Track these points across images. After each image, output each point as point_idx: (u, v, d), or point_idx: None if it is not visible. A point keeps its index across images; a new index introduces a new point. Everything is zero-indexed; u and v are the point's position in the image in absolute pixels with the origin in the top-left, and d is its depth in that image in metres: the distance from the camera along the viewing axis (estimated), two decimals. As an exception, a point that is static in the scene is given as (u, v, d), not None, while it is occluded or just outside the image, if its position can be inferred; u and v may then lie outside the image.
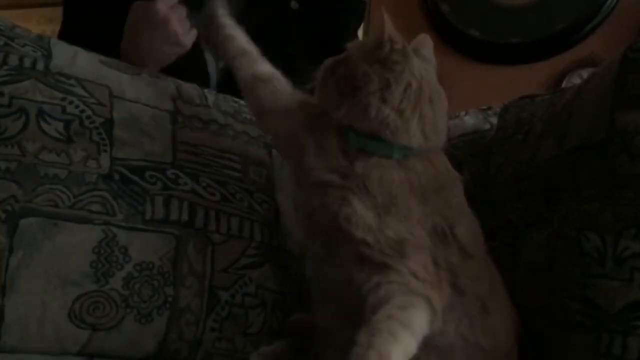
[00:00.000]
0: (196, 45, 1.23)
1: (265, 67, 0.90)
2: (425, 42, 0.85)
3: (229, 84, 1.03)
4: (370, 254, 0.68)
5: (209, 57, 1.37)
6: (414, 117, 0.75)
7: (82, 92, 0.92)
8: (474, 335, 0.70)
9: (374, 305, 0.63)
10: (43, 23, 3.08)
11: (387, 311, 0.62)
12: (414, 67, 0.76)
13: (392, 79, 0.74)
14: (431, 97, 0.77)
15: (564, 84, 2.20)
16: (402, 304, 0.63)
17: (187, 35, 1.18)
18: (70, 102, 0.90)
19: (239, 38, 0.93)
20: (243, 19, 1.00)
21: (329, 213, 0.72)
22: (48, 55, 0.91)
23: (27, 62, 0.88)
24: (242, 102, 1.19)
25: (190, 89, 1.09)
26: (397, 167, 0.75)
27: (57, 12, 1.55)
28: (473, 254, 0.76)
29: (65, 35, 1.35)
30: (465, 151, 1.26)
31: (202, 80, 1.27)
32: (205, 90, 1.13)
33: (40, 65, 0.89)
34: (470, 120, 1.33)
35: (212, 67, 1.38)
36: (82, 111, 0.90)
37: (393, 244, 0.68)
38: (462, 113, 1.36)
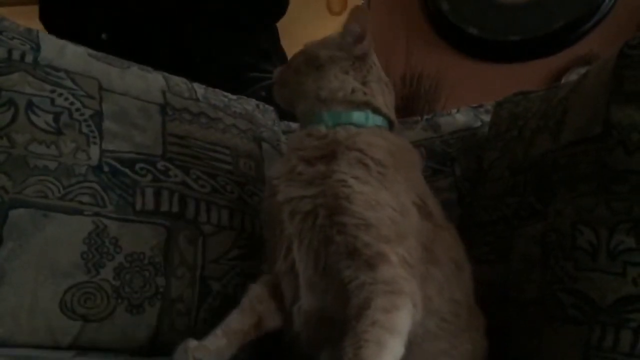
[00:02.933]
0: None
1: None
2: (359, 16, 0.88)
3: None
4: (368, 241, 0.67)
5: None
6: (379, 90, 0.86)
7: (71, 85, 0.92)
8: (451, 292, 0.75)
9: (358, 307, 0.63)
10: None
11: (371, 317, 0.61)
12: (373, 53, 0.88)
13: (358, 60, 0.85)
14: (385, 81, 0.88)
15: (562, 81, 2.21)
16: (386, 306, 0.62)
17: None
18: (60, 95, 0.90)
19: None
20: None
21: (328, 201, 0.71)
22: (37, 48, 0.91)
23: (15, 55, 0.88)
24: (231, 96, 1.20)
25: (180, 82, 1.10)
26: (375, 134, 0.80)
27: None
28: (443, 225, 0.80)
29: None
30: (457, 147, 1.28)
31: None
32: (195, 84, 1.13)
33: (29, 58, 0.89)
34: (461, 117, 1.34)
35: None
36: (72, 103, 0.90)
37: (389, 223, 0.69)
38: (454, 110, 1.37)
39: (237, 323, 0.75)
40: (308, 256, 0.72)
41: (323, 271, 0.71)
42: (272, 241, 0.79)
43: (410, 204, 0.74)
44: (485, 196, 1.12)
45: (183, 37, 1.42)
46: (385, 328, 0.61)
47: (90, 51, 1.00)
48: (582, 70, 0.96)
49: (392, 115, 0.88)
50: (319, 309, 0.72)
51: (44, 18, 1.51)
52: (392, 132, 0.87)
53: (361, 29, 0.85)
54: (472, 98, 1.55)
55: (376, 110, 0.84)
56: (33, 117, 0.86)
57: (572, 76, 2.21)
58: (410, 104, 2.37)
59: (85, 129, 0.91)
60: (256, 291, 0.78)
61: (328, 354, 0.72)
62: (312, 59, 0.86)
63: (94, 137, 0.91)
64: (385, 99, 0.87)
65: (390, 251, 0.67)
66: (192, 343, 0.72)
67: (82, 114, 0.91)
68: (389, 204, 0.70)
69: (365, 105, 0.84)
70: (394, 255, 0.67)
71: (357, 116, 0.82)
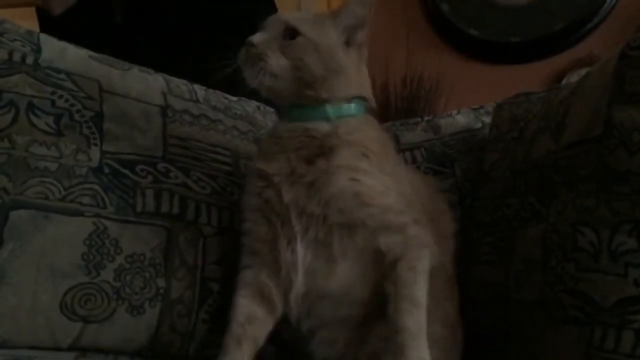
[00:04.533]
0: None
1: None
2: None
3: None
4: (391, 219, 0.78)
5: None
6: (367, 75, 0.88)
7: (72, 86, 0.92)
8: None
9: (395, 258, 0.77)
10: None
11: (408, 263, 0.76)
12: None
13: (358, 47, 0.85)
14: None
15: (562, 83, 2.21)
16: (417, 255, 0.77)
17: None
18: (60, 96, 0.90)
19: None
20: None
21: (345, 200, 0.76)
22: (37, 50, 0.91)
23: (16, 57, 0.88)
24: (232, 98, 1.20)
25: (180, 84, 1.10)
26: (368, 125, 0.84)
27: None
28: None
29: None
30: (458, 149, 1.28)
31: None
32: (195, 86, 1.13)
33: (29, 60, 0.89)
34: (462, 118, 1.34)
35: None
36: (72, 105, 0.90)
37: (400, 199, 0.80)
38: (454, 112, 1.37)
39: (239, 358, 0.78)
40: (308, 246, 0.78)
41: (325, 257, 0.78)
42: (263, 235, 0.81)
43: (403, 179, 0.85)
44: (486, 197, 1.12)
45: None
46: (419, 271, 0.76)
47: (91, 53, 1.00)
48: (583, 72, 0.96)
49: (372, 98, 0.90)
50: (315, 291, 0.79)
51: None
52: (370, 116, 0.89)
53: (368, 13, 0.83)
54: (472, 99, 1.55)
55: (365, 99, 0.87)
56: (34, 119, 0.86)
57: (573, 78, 2.21)
58: (411, 105, 2.38)
59: (85, 131, 0.91)
60: (244, 309, 0.81)
61: (320, 336, 0.82)
62: (313, 48, 0.80)
63: (95, 139, 0.91)
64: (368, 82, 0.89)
65: (408, 218, 0.79)
66: None
67: (82, 116, 0.91)
68: (393, 186, 0.80)
69: (359, 96, 0.85)
70: (411, 220, 0.79)
71: (354, 108, 0.84)
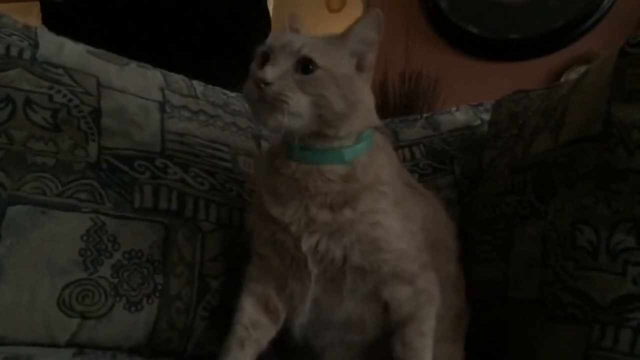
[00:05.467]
0: None
1: None
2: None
3: None
4: (405, 267, 0.77)
5: None
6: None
7: (70, 82, 0.91)
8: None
9: (404, 318, 0.77)
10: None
11: (419, 328, 0.77)
12: None
13: (369, 72, 0.79)
14: None
15: (561, 80, 2.22)
16: (426, 315, 0.77)
17: None
18: (58, 91, 0.89)
19: None
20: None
21: (363, 247, 0.74)
22: (35, 45, 0.91)
23: (13, 51, 0.88)
24: (231, 94, 1.20)
25: (179, 79, 1.09)
26: (379, 153, 0.80)
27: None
28: (422, 192, 0.93)
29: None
30: (456, 146, 1.28)
31: None
32: (194, 81, 1.13)
33: (27, 54, 0.89)
34: (461, 115, 1.34)
35: None
36: (70, 100, 0.90)
37: (413, 242, 0.78)
38: (453, 109, 1.37)
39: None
40: (318, 281, 0.77)
41: (333, 293, 0.77)
42: (273, 263, 0.79)
43: (411, 201, 0.82)
44: (484, 195, 1.12)
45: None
46: (424, 334, 0.77)
47: (89, 48, 0.99)
48: (582, 69, 0.95)
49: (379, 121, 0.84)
50: (321, 320, 0.80)
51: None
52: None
53: (378, 38, 0.76)
54: (471, 96, 1.55)
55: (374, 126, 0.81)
56: (31, 114, 0.86)
57: (572, 75, 2.22)
58: (410, 102, 2.38)
59: (83, 126, 0.90)
60: (250, 314, 0.80)
61: (329, 353, 0.82)
62: (333, 82, 0.72)
63: (92, 134, 0.91)
64: None
65: (418, 267, 0.78)
66: None
67: (80, 111, 0.91)
68: (407, 225, 0.78)
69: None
70: (420, 268, 0.78)
71: (367, 144, 0.78)
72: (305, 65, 0.70)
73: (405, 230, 0.78)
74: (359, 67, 0.76)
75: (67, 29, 1.02)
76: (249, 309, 0.80)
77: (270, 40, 0.74)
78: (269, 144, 0.89)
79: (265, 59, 0.72)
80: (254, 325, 0.79)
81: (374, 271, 0.75)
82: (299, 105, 0.69)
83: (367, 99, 0.78)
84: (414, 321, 0.76)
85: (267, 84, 0.68)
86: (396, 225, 0.76)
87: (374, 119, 0.79)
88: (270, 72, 0.69)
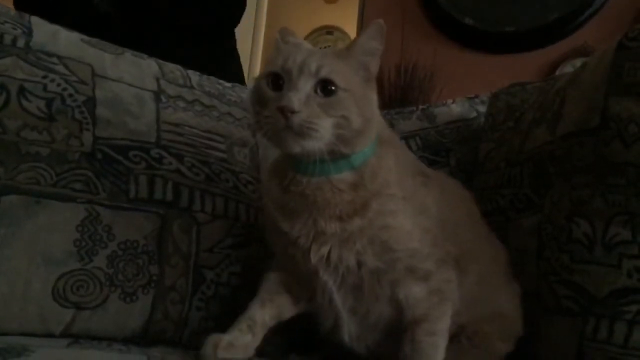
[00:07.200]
0: None
1: None
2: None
3: None
4: (417, 265, 0.76)
5: None
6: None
7: (64, 70, 0.90)
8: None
9: (416, 318, 0.76)
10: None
11: (430, 326, 0.76)
12: None
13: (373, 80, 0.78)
14: None
15: (557, 73, 2.22)
16: (440, 314, 0.77)
17: None
18: (52, 80, 0.88)
19: None
20: None
21: (375, 246, 0.74)
22: (29, 33, 0.90)
23: (7, 39, 0.87)
24: (226, 84, 1.19)
25: (174, 69, 1.08)
26: (384, 153, 0.78)
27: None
28: (433, 176, 0.88)
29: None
30: (452, 138, 1.28)
31: None
32: (189, 71, 1.12)
33: (21, 43, 0.88)
34: (457, 108, 1.34)
35: None
36: (64, 89, 0.89)
37: (426, 237, 0.77)
38: (449, 101, 1.37)
39: (259, 316, 0.79)
40: (340, 290, 0.77)
41: (361, 299, 0.77)
42: (293, 272, 0.80)
43: (424, 198, 0.80)
44: (480, 187, 1.12)
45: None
46: (436, 333, 0.76)
47: (84, 37, 0.98)
48: (577, 62, 0.96)
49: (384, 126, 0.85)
50: (364, 326, 0.80)
51: None
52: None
53: (381, 47, 0.75)
54: (467, 89, 1.55)
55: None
56: (25, 103, 0.85)
57: (567, 68, 2.22)
58: (405, 94, 2.37)
59: (78, 116, 0.89)
60: (273, 283, 0.82)
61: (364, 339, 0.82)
62: (352, 101, 0.71)
63: (87, 124, 0.90)
64: None
65: (433, 264, 0.77)
66: (219, 338, 0.75)
67: (75, 100, 0.90)
68: (418, 221, 0.76)
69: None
70: (435, 265, 0.77)
71: (373, 148, 0.77)
72: (325, 87, 0.69)
73: (417, 228, 0.76)
74: (365, 78, 0.76)
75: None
76: (275, 281, 0.82)
77: (281, 61, 0.71)
78: (271, 157, 0.87)
79: (277, 81, 0.71)
80: (277, 293, 0.81)
81: (388, 270, 0.75)
82: (325, 130, 0.68)
83: (377, 110, 0.77)
84: (425, 321, 0.76)
85: (293, 112, 0.66)
86: (406, 225, 0.75)
87: (382, 126, 0.80)
88: (296, 100, 0.67)
